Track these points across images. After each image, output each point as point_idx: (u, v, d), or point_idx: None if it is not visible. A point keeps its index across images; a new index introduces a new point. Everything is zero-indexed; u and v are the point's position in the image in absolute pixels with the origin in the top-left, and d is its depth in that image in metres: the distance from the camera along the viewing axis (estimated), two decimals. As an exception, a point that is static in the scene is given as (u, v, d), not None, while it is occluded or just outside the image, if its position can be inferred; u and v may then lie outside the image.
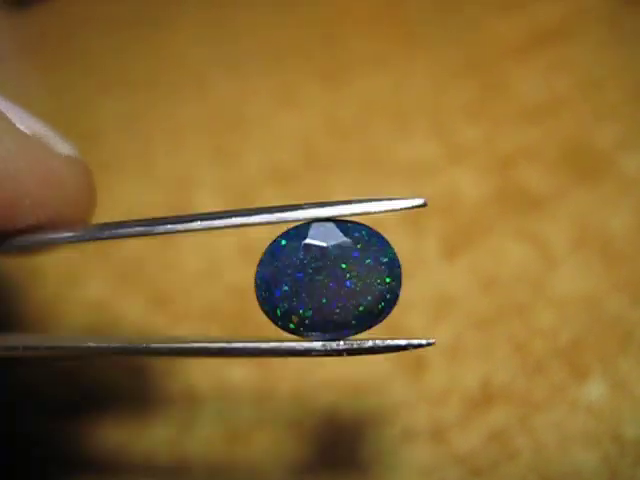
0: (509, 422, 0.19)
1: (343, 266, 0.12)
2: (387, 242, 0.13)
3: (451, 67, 0.31)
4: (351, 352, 0.13)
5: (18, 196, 0.12)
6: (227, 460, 0.20)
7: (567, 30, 0.32)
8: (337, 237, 0.12)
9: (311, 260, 0.12)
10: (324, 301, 0.12)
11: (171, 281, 0.24)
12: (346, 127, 0.29)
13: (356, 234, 0.13)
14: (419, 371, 0.21)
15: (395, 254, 0.13)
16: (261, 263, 0.13)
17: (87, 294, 0.24)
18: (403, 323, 0.21)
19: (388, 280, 0.12)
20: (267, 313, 0.13)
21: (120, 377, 0.22)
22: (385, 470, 0.19)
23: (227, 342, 0.13)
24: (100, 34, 0.35)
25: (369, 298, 0.12)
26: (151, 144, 0.29)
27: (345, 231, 0.13)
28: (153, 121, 0.30)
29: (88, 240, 0.13)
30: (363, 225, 0.13)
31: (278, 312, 0.12)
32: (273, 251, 0.13)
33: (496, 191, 0.26)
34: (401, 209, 0.13)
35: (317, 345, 0.12)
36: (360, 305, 0.12)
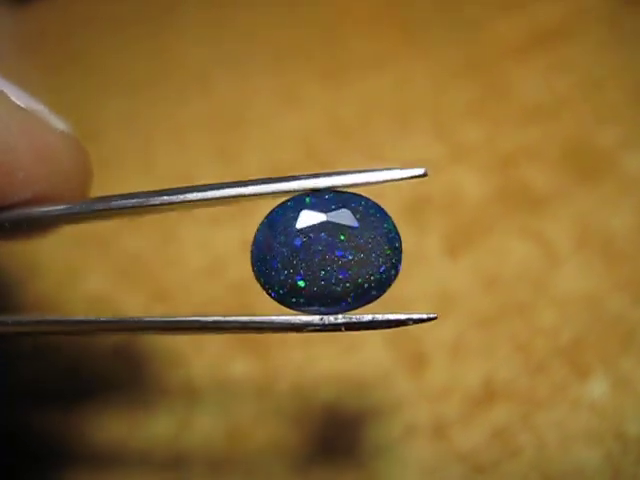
0: (511, 420, 0.19)
1: (341, 237, 0.12)
2: (386, 213, 0.12)
3: (452, 67, 0.31)
4: (349, 326, 0.12)
5: (12, 168, 0.12)
6: (227, 455, 0.19)
7: (567, 30, 0.32)
8: (335, 208, 0.12)
9: (308, 231, 0.12)
10: (322, 273, 0.12)
11: (172, 277, 0.24)
12: (347, 127, 0.29)
13: (355, 205, 0.12)
14: (421, 368, 0.21)
15: (395, 226, 0.12)
16: (257, 234, 0.12)
17: (87, 289, 0.24)
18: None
19: (388, 252, 0.12)
20: (263, 285, 0.12)
21: (120, 371, 0.21)
22: (386, 467, 0.19)
23: (222, 316, 0.12)
24: (101, 33, 0.35)
25: (368, 270, 0.12)
26: (152, 143, 0.29)
27: (343, 202, 0.12)
28: (154, 120, 0.30)
29: (82, 213, 0.13)
30: (362, 196, 0.12)
31: (274, 284, 0.12)
32: (270, 222, 0.12)
33: (498, 190, 0.26)
34: (401, 178, 0.12)
35: (314, 319, 0.12)
36: (359, 277, 0.12)
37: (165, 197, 0.12)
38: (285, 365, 0.21)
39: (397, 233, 0.12)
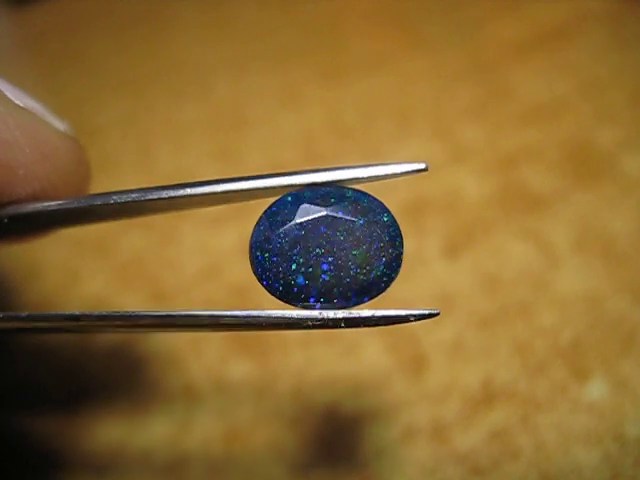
0: (510, 421, 0.19)
1: (341, 231, 0.11)
2: (386, 207, 0.12)
3: (452, 68, 0.31)
4: (349, 322, 0.12)
5: (13, 166, 0.12)
6: (226, 456, 0.19)
7: (568, 31, 0.32)
8: (335, 202, 0.12)
9: (308, 224, 0.11)
10: (321, 267, 0.11)
11: (171, 279, 0.24)
12: (347, 127, 0.29)
13: (354, 199, 0.12)
14: (420, 369, 0.21)
15: (395, 220, 0.12)
16: (256, 227, 0.12)
17: (86, 290, 0.24)
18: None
19: (389, 246, 0.12)
20: (260, 278, 0.12)
21: (120, 373, 0.21)
22: (385, 468, 0.19)
23: (219, 310, 0.12)
24: (101, 33, 0.36)
25: (369, 264, 0.11)
26: (152, 143, 0.29)
27: (343, 196, 0.12)
28: (154, 120, 0.30)
29: (80, 208, 0.13)
30: (361, 191, 0.12)
31: (272, 278, 0.12)
32: (269, 215, 0.12)
33: (498, 191, 0.26)
34: (402, 173, 0.12)
35: (313, 313, 0.11)
36: (360, 272, 0.11)
37: (163, 192, 0.12)
38: (285, 367, 0.21)
39: (397, 227, 0.12)
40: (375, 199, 0.12)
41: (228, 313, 0.12)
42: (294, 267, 0.11)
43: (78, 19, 0.36)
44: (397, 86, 0.31)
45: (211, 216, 0.25)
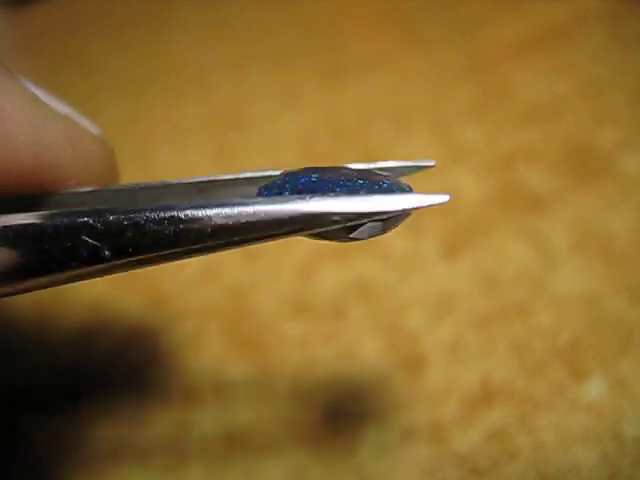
0: (509, 421, 0.19)
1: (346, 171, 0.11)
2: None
3: (451, 67, 0.31)
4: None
5: (56, 166, 0.13)
6: (225, 456, 0.19)
7: (568, 31, 0.32)
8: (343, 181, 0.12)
9: (314, 176, 0.12)
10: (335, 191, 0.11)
11: (170, 280, 0.24)
12: (347, 127, 0.29)
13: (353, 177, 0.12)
14: (418, 370, 0.21)
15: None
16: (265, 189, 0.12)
17: (85, 291, 0.24)
18: (403, 322, 0.21)
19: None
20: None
21: (119, 372, 0.21)
22: (384, 470, 0.19)
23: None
24: (101, 33, 0.36)
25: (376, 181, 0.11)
26: (152, 143, 0.29)
27: (341, 173, 0.12)
28: (154, 120, 0.30)
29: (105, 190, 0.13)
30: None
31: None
32: (273, 184, 0.12)
33: (497, 191, 0.26)
34: (408, 167, 0.12)
35: (306, 197, 0.11)
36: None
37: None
38: (284, 367, 0.21)
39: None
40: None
41: (214, 202, 0.11)
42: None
43: (78, 19, 0.36)
44: (396, 86, 0.31)
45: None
